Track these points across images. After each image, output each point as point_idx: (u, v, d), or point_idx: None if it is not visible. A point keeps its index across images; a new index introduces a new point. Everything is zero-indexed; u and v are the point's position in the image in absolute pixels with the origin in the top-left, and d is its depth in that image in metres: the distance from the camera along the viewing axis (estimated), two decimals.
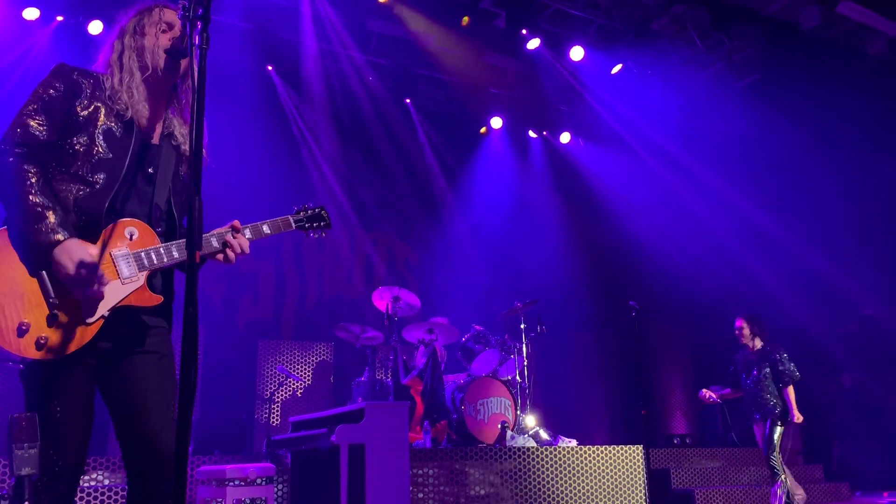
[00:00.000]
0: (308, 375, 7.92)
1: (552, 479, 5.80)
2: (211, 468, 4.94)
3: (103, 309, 2.04)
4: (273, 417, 7.36)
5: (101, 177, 2.12)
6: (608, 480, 6.02)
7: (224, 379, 8.09)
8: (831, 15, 7.58)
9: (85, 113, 2.17)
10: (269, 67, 8.16)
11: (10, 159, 2.06)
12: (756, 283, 8.43)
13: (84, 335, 2.01)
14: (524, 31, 7.82)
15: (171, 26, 2.32)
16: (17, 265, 1.99)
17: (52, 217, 2.01)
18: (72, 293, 2.01)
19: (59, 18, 7.04)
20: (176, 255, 2.17)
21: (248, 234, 2.36)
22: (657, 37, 8.33)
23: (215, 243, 2.27)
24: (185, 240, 2.15)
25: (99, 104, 2.20)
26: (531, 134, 10.19)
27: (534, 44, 8.07)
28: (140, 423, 2.11)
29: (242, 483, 4.70)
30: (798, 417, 5.65)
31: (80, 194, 2.10)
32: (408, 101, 9.02)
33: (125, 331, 2.14)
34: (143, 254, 2.13)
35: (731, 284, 8.49)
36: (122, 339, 2.15)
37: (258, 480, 4.77)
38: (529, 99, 9.52)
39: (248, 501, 4.75)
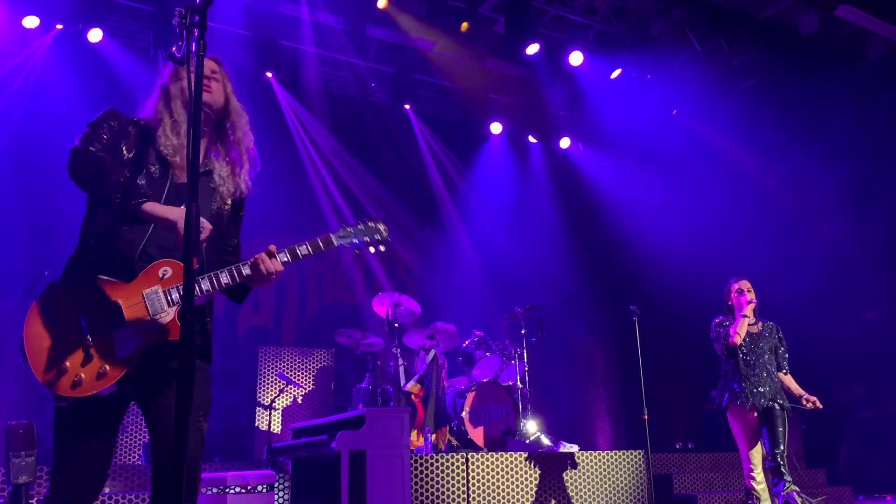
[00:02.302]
0: (309, 382, 7.90)
1: (554, 485, 5.78)
2: (211, 475, 4.93)
3: (133, 346, 2.16)
4: (274, 424, 7.34)
5: (139, 224, 2.25)
6: (610, 486, 6.00)
7: (225, 386, 8.08)
8: (830, 19, 7.59)
9: (130, 155, 2.31)
10: (269, 74, 8.17)
11: (91, 148, 2.26)
12: (757, 288, 8.41)
13: (117, 372, 2.14)
14: (523, 37, 7.83)
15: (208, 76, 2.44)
16: (62, 317, 2.16)
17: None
18: (106, 334, 2.15)
19: (59, 26, 7.05)
20: (206, 287, 2.27)
21: (283, 257, 2.40)
22: (656, 41, 8.34)
23: (245, 271, 2.34)
24: (216, 272, 2.29)
25: (144, 146, 2.32)
26: (531, 139, 10.20)
27: (533, 49, 8.08)
28: (168, 438, 2.21)
29: (243, 490, 4.68)
30: (814, 400, 4.98)
31: (121, 232, 2.24)
32: (407, 107, 9.04)
33: (160, 366, 2.24)
34: (172, 290, 2.23)
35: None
36: (157, 374, 2.24)
37: (259, 488, 4.76)
38: (529, 104, 9.52)
39: None
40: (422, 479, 5.29)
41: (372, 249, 2.59)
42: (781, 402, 4.98)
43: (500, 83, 9.39)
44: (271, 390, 7.63)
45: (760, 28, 8.02)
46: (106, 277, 2.21)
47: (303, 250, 2.43)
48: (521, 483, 5.67)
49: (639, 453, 6.15)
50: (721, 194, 9.22)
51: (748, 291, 5.14)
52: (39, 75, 7.03)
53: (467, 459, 5.53)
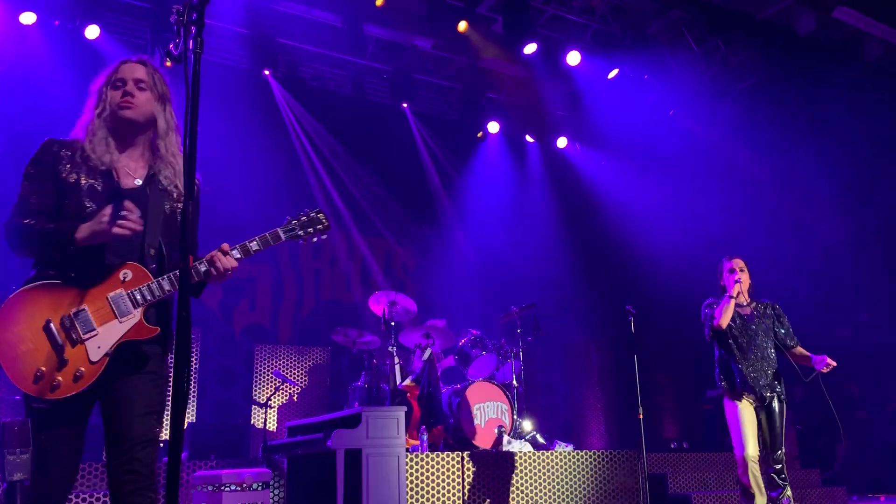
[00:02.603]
0: (304, 380, 7.91)
1: (549, 484, 5.79)
2: (207, 473, 4.93)
3: (105, 348, 2.31)
4: (269, 422, 7.34)
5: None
6: (605, 485, 6.02)
7: (220, 384, 8.08)
8: (827, 20, 7.60)
9: (70, 178, 2.43)
10: (266, 72, 8.16)
11: (25, 221, 2.39)
12: (750, 287, 8.43)
13: (93, 374, 2.28)
14: (521, 36, 7.83)
15: (123, 82, 2.56)
16: (31, 323, 2.28)
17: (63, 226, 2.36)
18: (78, 338, 2.28)
19: (56, 23, 7.03)
20: (167, 287, 2.39)
21: (235, 254, 2.53)
22: (654, 41, 8.34)
23: (202, 268, 2.46)
24: (174, 272, 2.41)
25: (79, 166, 2.45)
26: (528, 139, 10.21)
27: (531, 49, 8.08)
28: (121, 423, 2.34)
29: (238, 488, 4.69)
30: (828, 362, 4.68)
31: (73, 249, 2.34)
32: (405, 105, 9.03)
33: (126, 361, 2.37)
34: (135, 292, 2.37)
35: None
36: (122, 367, 2.37)
37: (254, 485, 4.76)
38: (526, 104, 9.53)
39: None
40: (417, 478, 5.29)
41: (315, 240, 2.72)
42: (779, 391, 4.74)
43: (498, 82, 9.39)
44: (267, 388, 7.63)
45: (758, 29, 8.03)
46: (69, 284, 2.33)
47: (253, 246, 2.56)
48: (516, 482, 5.68)
49: (633, 453, 6.16)
50: (718, 194, 9.24)
51: (740, 271, 4.84)
52: (36, 72, 7.01)
53: (463, 458, 5.54)
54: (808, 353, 4.83)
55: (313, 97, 8.70)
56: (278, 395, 7.56)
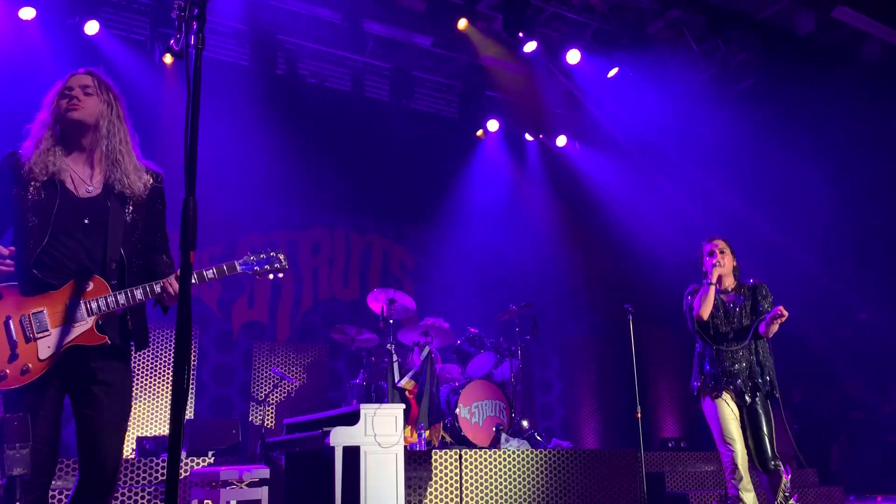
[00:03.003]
0: (303, 378, 7.90)
1: (546, 482, 5.80)
2: (205, 470, 4.93)
3: (54, 347, 2.50)
4: (267, 419, 7.34)
5: (31, 242, 2.53)
6: (602, 484, 6.02)
7: (219, 381, 8.08)
8: (826, 20, 7.60)
9: (16, 192, 2.57)
10: (266, 69, 8.15)
11: None
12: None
13: (39, 370, 2.48)
14: (521, 35, 7.83)
15: (70, 89, 2.66)
16: None
17: None
18: (32, 336, 2.49)
19: (56, 18, 7.02)
20: (122, 301, 2.57)
21: (191, 280, 2.62)
22: (653, 41, 8.34)
23: (157, 288, 2.62)
24: (131, 288, 2.59)
25: (27, 179, 2.58)
26: (527, 137, 10.20)
27: (530, 47, 8.08)
28: (86, 444, 2.54)
29: (236, 485, 4.69)
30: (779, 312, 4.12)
31: (23, 259, 2.53)
32: (404, 102, 9.02)
33: (84, 368, 2.55)
34: (91, 302, 2.55)
35: None
36: (77, 375, 2.56)
37: (252, 482, 4.76)
38: (526, 102, 9.52)
39: (241, 503, 4.74)
40: (415, 476, 5.30)
41: (271, 276, 2.94)
42: (766, 387, 4.24)
43: (498, 81, 9.39)
44: (265, 385, 7.63)
45: (757, 29, 8.03)
46: (40, 288, 2.52)
47: (209, 274, 2.74)
48: (514, 480, 5.69)
49: (631, 451, 6.17)
50: (716, 193, 9.25)
51: (720, 253, 4.38)
52: (34, 67, 6.99)
53: (461, 456, 5.54)
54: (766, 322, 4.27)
55: (312, 94, 8.69)
56: (276, 393, 7.56)
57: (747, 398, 4.26)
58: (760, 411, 4.24)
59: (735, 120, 8.80)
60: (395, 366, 6.85)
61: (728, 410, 4.25)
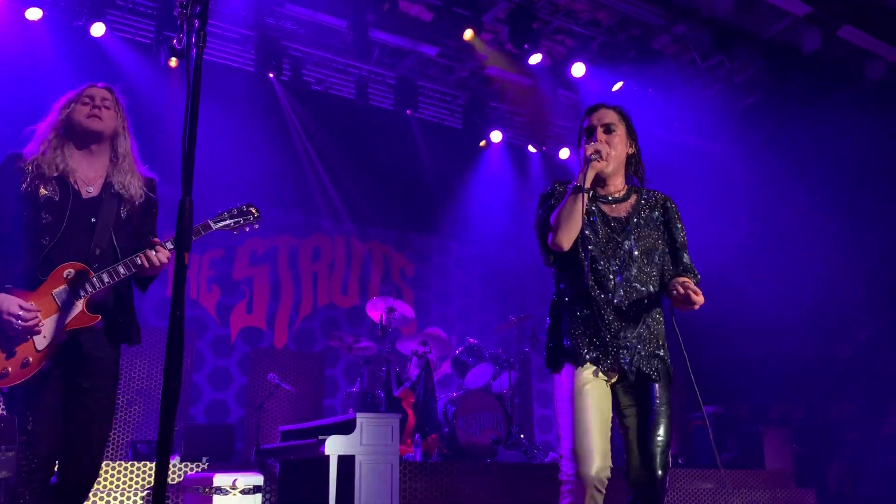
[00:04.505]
0: (299, 385, 7.87)
1: (542, 496, 5.75)
2: (198, 475, 4.89)
3: (49, 337, 2.56)
4: (263, 426, 7.30)
5: (45, 240, 2.63)
6: None
7: (215, 386, 8.04)
8: (832, 39, 7.61)
9: (29, 190, 2.67)
10: (271, 74, 8.16)
11: None
12: (751, 306, 8.41)
13: (38, 361, 2.55)
14: (526, 46, 7.83)
15: (92, 98, 2.81)
16: None
17: None
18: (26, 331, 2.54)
19: (62, 20, 7.03)
20: (106, 279, 2.64)
21: (169, 245, 2.72)
22: (659, 56, 8.34)
23: (137, 260, 2.66)
24: (113, 265, 2.65)
25: (38, 179, 2.68)
26: (531, 149, 10.20)
27: (536, 59, 8.09)
28: (69, 437, 2.59)
29: (230, 491, 4.65)
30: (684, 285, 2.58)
31: (34, 254, 2.61)
32: (408, 111, 9.03)
33: (79, 351, 2.63)
34: (77, 286, 2.62)
35: (726, 306, 8.46)
36: (77, 359, 2.63)
37: (246, 489, 4.72)
38: (530, 114, 9.52)
39: None
40: (411, 487, 5.25)
41: (247, 229, 2.98)
42: (661, 356, 2.71)
43: (502, 92, 9.40)
44: (262, 391, 7.59)
45: (763, 46, 8.04)
46: (22, 287, 2.58)
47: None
48: (510, 493, 5.63)
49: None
50: (718, 209, 9.22)
51: (602, 130, 2.81)
52: (41, 68, 7.00)
53: (456, 468, 5.49)
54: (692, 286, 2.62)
55: (316, 101, 8.70)
56: (273, 399, 7.52)
57: (635, 371, 2.66)
58: (656, 395, 2.67)
59: (738, 136, 8.79)
60: (393, 375, 6.82)
61: (593, 394, 2.64)
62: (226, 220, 2.93)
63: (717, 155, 9.20)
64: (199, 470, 5.46)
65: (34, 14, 6.87)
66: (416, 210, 9.56)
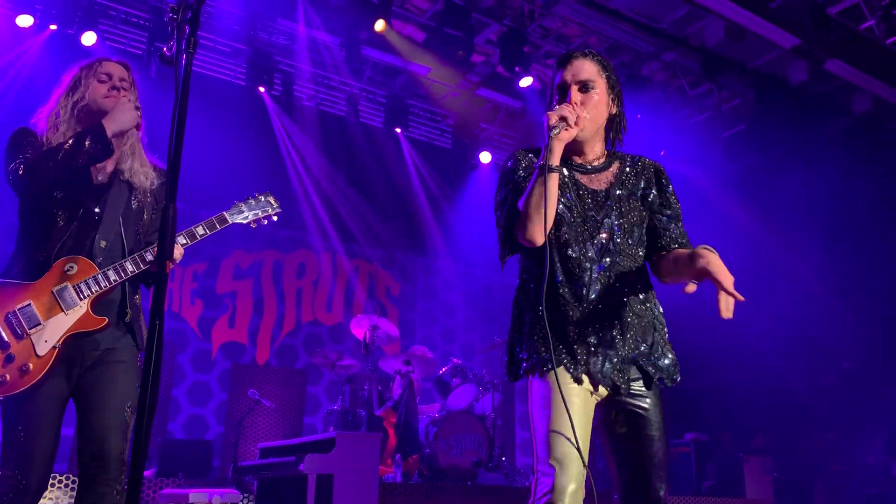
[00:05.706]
0: (280, 401, 7.77)
1: None
2: (174, 491, 4.80)
3: (52, 341, 2.30)
4: (242, 443, 7.19)
5: (61, 218, 2.42)
6: None
7: (194, 401, 7.93)
8: (819, 71, 7.72)
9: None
10: (262, 89, 8.15)
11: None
12: (733, 334, 8.43)
13: (40, 368, 2.28)
14: (517, 69, 7.89)
15: (110, 76, 2.60)
16: None
17: None
18: (24, 333, 2.29)
19: (53, 27, 7.00)
20: (113, 277, 2.39)
21: (181, 240, 2.51)
22: (647, 83, 8.44)
23: (148, 256, 2.43)
24: (120, 262, 2.41)
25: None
26: None
27: (526, 82, 8.14)
28: (93, 413, 2.34)
29: None
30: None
31: (48, 242, 2.40)
32: (398, 130, 9.06)
33: (86, 352, 2.38)
34: (81, 284, 2.36)
35: (710, 332, 8.48)
36: (86, 359, 2.38)
37: None
38: (520, 135, 9.58)
39: None
40: None
41: (265, 222, 2.75)
42: (662, 365, 2.34)
43: (492, 113, 9.44)
44: (242, 407, 7.49)
45: (751, 76, 8.16)
46: (12, 280, 2.35)
47: (199, 231, 2.56)
48: None
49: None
50: (702, 238, 9.25)
51: (578, 88, 2.25)
52: (31, 75, 6.96)
53: (436, 490, 5.43)
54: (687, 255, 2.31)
55: (307, 117, 8.70)
56: (253, 416, 7.42)
57: (625, 384, 2.25)
58: (649, 417, 2.34)
59: (725, 164, 8.87)
60: (375, 394, 6.75)
61: (577, 405, 2.20)
62: (243, 211, 2.70)
63: (704, 182, 9.27)
64: (175, 486, 5.36)
65: (25, 21, 6.84)
66: (403, 229, 9.54)
